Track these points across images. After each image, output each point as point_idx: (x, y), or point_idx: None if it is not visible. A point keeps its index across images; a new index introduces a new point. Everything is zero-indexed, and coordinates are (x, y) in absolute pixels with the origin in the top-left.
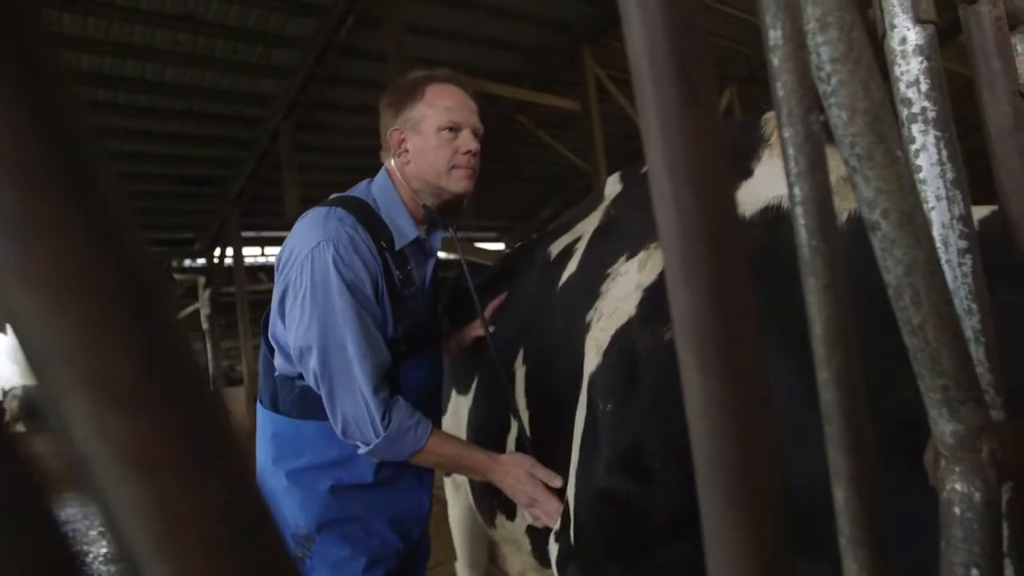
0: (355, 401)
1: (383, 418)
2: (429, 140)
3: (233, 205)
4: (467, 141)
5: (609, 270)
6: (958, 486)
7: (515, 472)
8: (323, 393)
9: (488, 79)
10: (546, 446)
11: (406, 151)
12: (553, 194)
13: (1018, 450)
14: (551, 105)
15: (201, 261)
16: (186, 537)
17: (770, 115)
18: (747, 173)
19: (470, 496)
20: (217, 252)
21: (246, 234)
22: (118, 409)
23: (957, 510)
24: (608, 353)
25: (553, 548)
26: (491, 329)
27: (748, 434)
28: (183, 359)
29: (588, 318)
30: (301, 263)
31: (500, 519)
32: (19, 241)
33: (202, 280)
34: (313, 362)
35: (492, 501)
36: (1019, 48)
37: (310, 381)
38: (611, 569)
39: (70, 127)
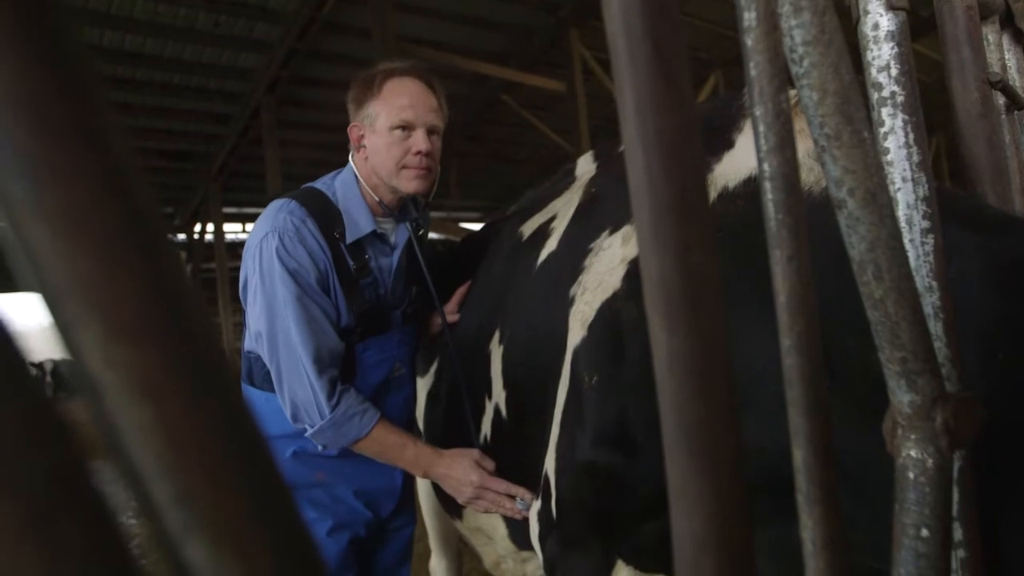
0: (302, 384)
1: (330, 399)
2: (382, 138)
3: (213, 180)
4: (419, 141)
5: (592, 245)
6: (913, 453)
7: (461, 463)
8: (273, 377)
9: (474, 58)
10: (524, 424)
11: (364, 147)
12: (537, 175)
13: (970, 420)
14: (537, 86)
15: (181, 237)
16: (188, 457)
17: None
18: (729, 144)
19: (433, 493)
20: (197, 228)
21: (227, 210)
22: (126, 338)
23: (911, 475)
24: (593, 326)
25: (534, 526)
26: (455, 319)
27: (709, 391)
28: (185, 293)
29: (572, 293)
30: (252, 253)
31: (469, 509)
32: (36, 181)
33: (183, 257)
34: (264, 346)
35: None
36: (990, 38)
37: (268, 365)
38: (593, 542)
39: (81, 75)
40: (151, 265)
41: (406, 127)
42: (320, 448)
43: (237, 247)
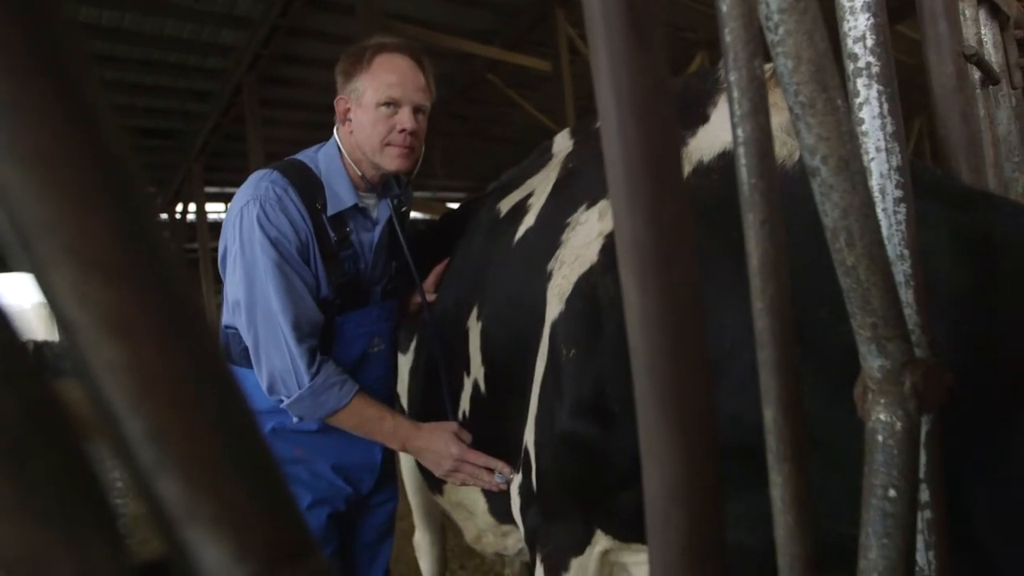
0: (280, 352)
1: (310, 366)
2: (368, 114)
3: (195, 159)
4: (404, 119)
5: (569, 219)
6: (882, 416)
7: (440, 436)
8: (250, 347)
9: (458, 36)
10: (503, 399)
11: (350, 121)
12: (522, 155)
13: (937, 384)
14: (522, 65)
15: (163, 217)
16: (159, 395)
17: None
18: (703, 119)
19: (416, 469)
20: (179, 208)
21: (209, 189)
22: (98, 276)
23: (880, 438)
24: (571, 300)
25: (516, 500)
26: (432, 297)
27: (681, 349)
28: (156, 234)
29: (550, 267)
30: (232, 221)
31: (450, 484)
32: (9, 123)
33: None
34: (243, 315)
35: None
36: (966, 12)
37: (244, 336)
38: (573, 513)
39: (52, 23)
40: (122, 206)
41: (392, 104)
42: (295, 420)
43: (220, 227)
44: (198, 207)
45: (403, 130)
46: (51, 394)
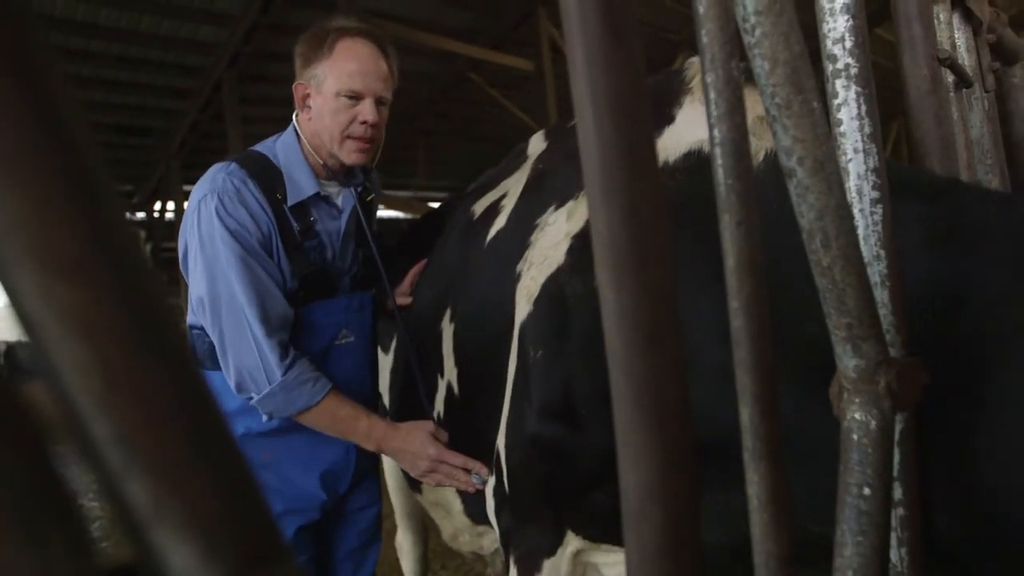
0: (247, 348)
1: (282, 360)
2: (328, 103)
3: (174, 157)
4: (366, 111)
5: (538, 220)
6: (857, 415)
7: (417, 436)
8: (216, 343)
9: (441, 34)
10: (475, 401)
11: (309, 107)
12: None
13: (912, 384)
14: (505, 64)
15: (140, 215)
16: (125, 395)
17: (693, 60)
18: (669, 119)
19: (397, 468)
20: (157, 206)
21: (188, 188)
22: (62, 277)
23: (855, 436)
24: (539, 301)
25: (490, 501)
26: (408, 300)
27: (656, 347)
28: (123, 235)
29: (519, 269)
30: (191, 216)
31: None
32: None
33: (142, 235)
34: (207, 312)
35: None
36: (940, 16)
37: (210, 333)
38: (544, 514)
39: (14, 21)
40: (88, 206)
41: (354, 96)
42: (265, 419)
43: None
44: (176, 205)
45: (364, 122)
46: (15, 396)
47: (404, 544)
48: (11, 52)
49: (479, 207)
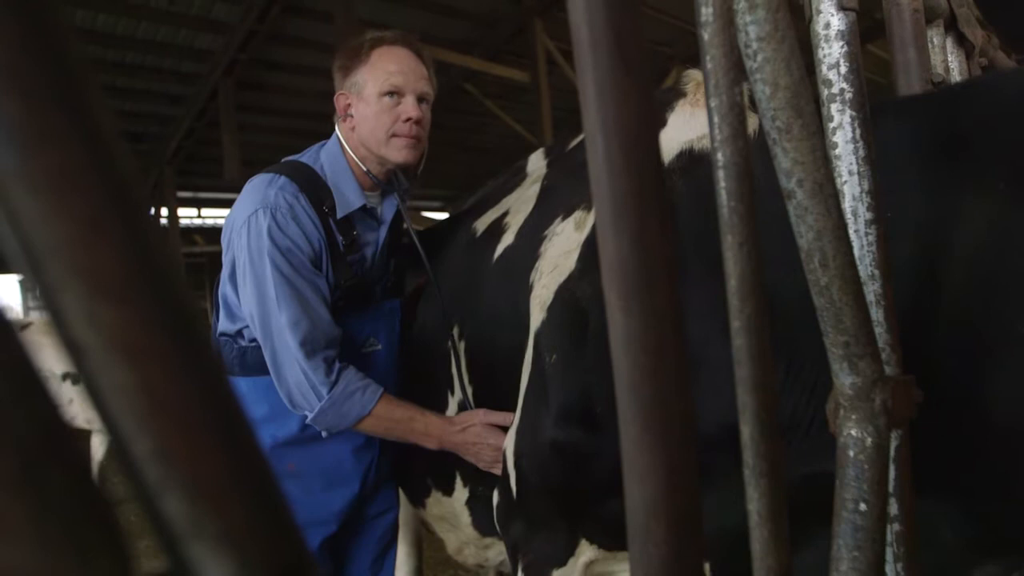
0: (292, 368)
1: (327, 376)
2: (371, 106)
3: (168, 164)
4: (409, 108)
5: (546, 232)
6: (853, 432)
7: (474, 428)
8: (268, 361)
9: (437, 45)
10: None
11: (351, 116)
12: (499, 165)
13: (907, 401)
14: (500, 75)
15: None
16: (167, 416)
17: (693, 72)
18: (661, 123)
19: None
20: (151, 212)
21: (182, 194)
22: (108, 300)
23: (851, 453)
24: (552, 307)
25: (497, 512)
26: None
27: (662, 368)
28: (163, 258)
29: (531, 280)
30: (239, 231)
31: (435, 496)
32: (22, 147)
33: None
34: (257, 329)
35: (427, 479)
36: (935, 40)
37: (263, 348)
38: (558, 523)
39: (62, 46)
40: (132, 229)
41: (396, 93)
42: (324, 435)
43: (192, 232)
44: (170, 212)
45: (408, 119)
46: (60, 411)
47: (399, 555)
48: (59, 79)
49: (480, 225)
